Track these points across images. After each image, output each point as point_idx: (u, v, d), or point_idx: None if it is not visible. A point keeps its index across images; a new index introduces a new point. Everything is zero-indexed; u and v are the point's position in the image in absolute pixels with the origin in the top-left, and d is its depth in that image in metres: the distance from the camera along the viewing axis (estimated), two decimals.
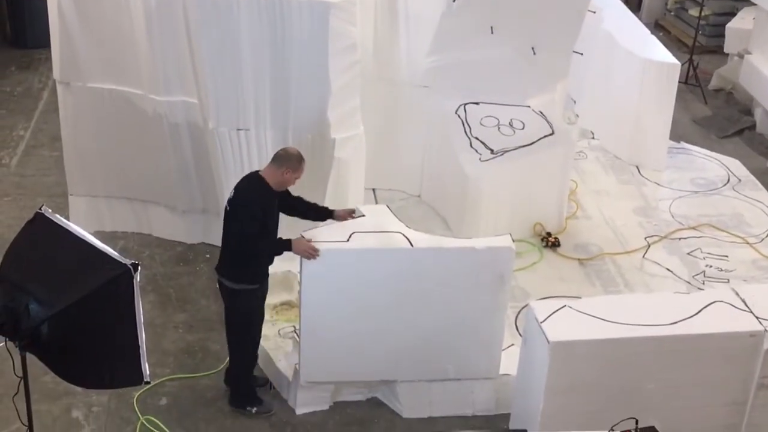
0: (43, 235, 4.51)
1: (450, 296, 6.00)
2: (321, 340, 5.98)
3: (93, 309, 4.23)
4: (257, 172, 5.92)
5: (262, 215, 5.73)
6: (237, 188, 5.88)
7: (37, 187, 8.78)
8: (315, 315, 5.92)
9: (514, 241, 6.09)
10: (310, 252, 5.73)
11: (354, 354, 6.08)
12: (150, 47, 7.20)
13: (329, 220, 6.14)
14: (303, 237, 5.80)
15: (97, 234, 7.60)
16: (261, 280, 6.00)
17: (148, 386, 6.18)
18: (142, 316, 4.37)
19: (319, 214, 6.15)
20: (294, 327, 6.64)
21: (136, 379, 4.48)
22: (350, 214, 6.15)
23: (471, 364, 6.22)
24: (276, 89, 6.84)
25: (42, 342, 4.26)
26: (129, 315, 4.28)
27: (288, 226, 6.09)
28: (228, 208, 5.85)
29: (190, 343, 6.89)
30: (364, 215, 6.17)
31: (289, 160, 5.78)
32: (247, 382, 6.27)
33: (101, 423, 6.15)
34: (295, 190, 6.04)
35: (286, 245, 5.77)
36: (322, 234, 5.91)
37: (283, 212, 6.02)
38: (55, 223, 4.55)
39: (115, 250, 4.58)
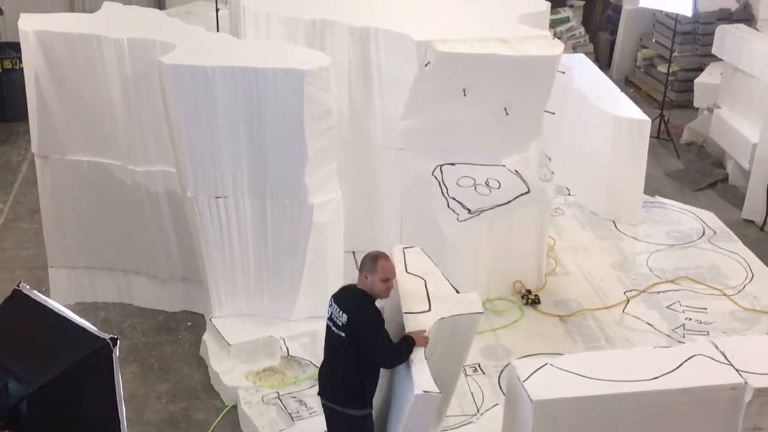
0: (21, 312, 4.51)
1: None
2: None
3: (72, 385, 4.21)
4: (353, 285, 5.50)
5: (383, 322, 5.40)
6: (347, 311, 5.35)
7: (16, 260, 8.77)
8: None
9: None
10: (423, 340, 5.42)
11: None
12: (128, 118, 7.29)
13: None
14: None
15: (78, 305, 7.63)
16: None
17: None
18: (122, 390, 4.36)
19: None
20: (277, 393, 6.62)
21: None
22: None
23: None
24: (253, 156, 6.90)
25: (22, 420, 4.22)
26: (109, 389, 4.27)
27: None
28: (342, 334, 5.36)
29: (173, 413, 6.84)
30: None
31: (363, 264, 5.43)
32: None
33: None
34: None
35: (411, 342, 5.38)
36: None
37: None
38: (34, 299, 4.55)
39: (96, 321, 4.60)
